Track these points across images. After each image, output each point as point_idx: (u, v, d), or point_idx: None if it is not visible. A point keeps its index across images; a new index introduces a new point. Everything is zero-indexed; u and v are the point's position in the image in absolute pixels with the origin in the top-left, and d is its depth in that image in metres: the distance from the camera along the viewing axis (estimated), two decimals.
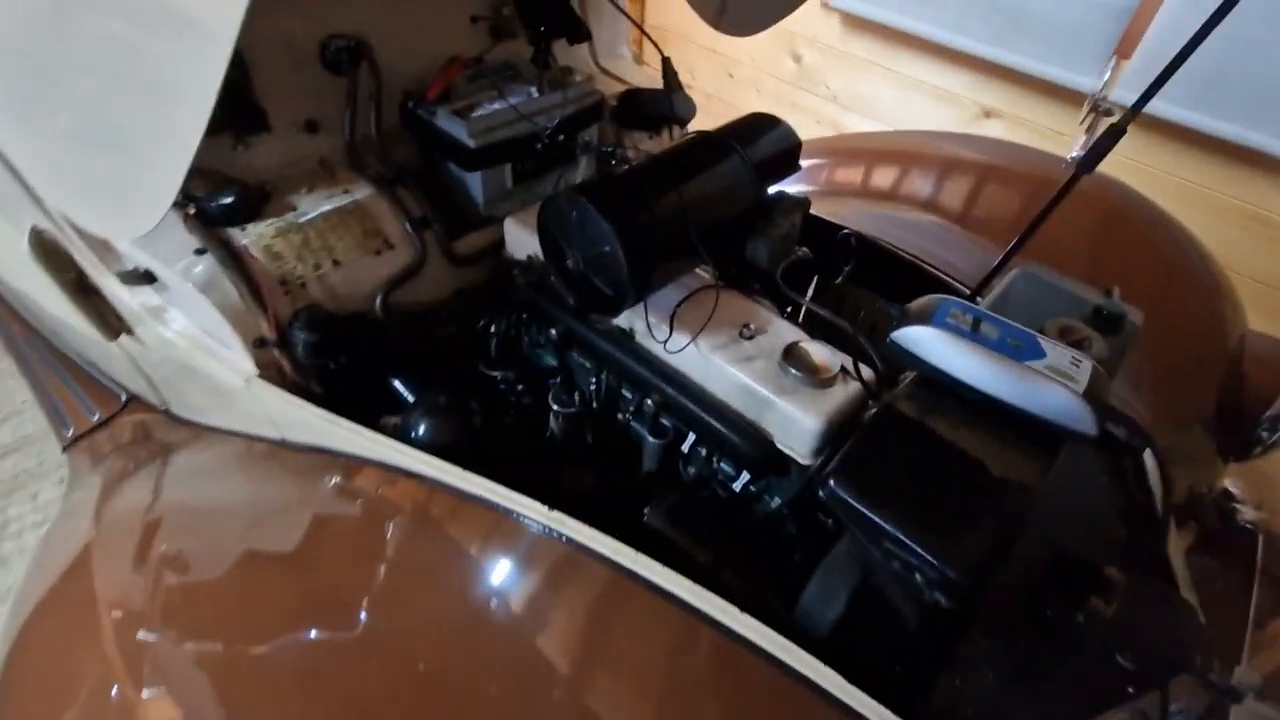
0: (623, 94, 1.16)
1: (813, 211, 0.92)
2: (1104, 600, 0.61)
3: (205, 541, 0.81)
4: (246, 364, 0.84)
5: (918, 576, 0.48)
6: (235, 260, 0.82)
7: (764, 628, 0.55)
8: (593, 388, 0.91)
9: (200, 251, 0.81)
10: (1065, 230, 0.83)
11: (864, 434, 0.53)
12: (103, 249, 0.89)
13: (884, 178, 1.45)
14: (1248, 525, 1.11)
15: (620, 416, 0.89)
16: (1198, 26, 0.61)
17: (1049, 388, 0.49)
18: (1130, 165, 1.63)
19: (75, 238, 0.88)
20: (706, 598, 0.57)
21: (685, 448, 0.83)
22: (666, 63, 1.15)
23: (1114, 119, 1.34)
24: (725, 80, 2.59)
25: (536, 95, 0.99)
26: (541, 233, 0.75)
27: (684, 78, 1.16)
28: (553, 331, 0.90)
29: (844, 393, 0.71)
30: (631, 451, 0.88)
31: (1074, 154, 1.32)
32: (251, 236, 0.84)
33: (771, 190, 0.85)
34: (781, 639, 0.54)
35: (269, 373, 0.86)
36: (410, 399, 0.89)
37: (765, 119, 0.86)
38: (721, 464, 0.80)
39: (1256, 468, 1.12)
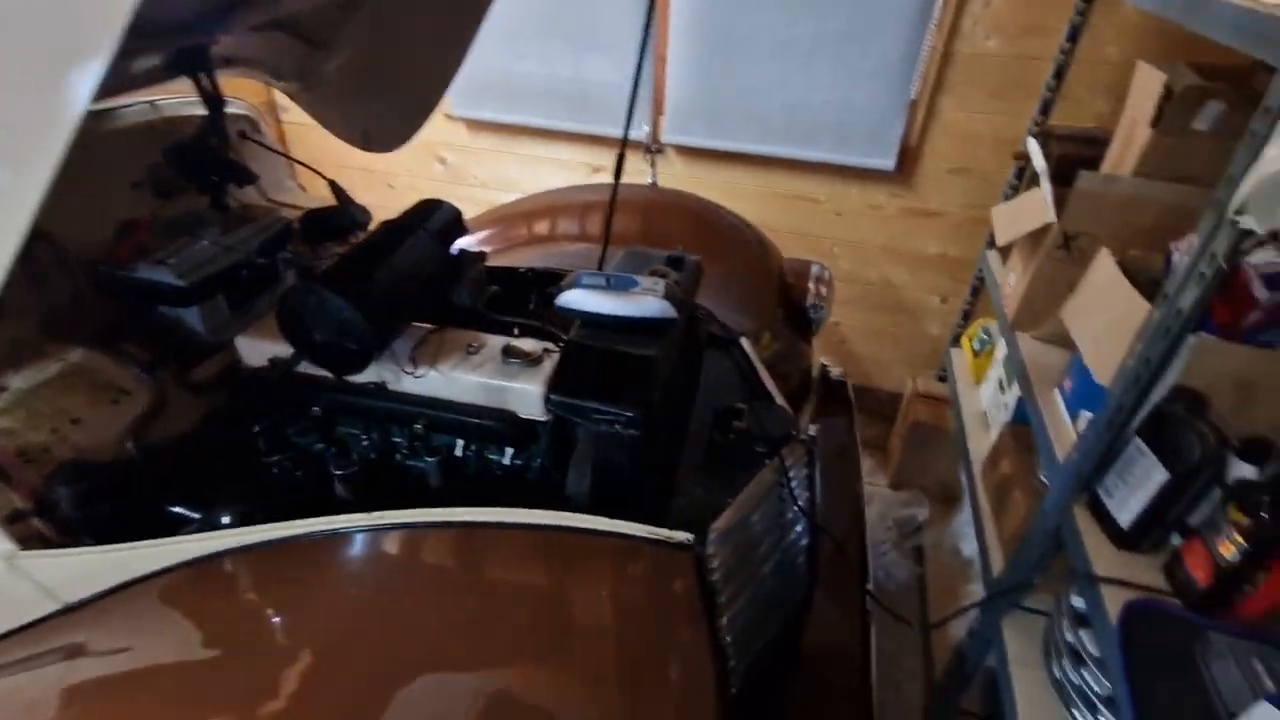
0: (303, 216, 1.35)
1: (501, 263, 1.22)
2: (740, 420, 1.00)
3: None
4: (2, 544, 0.84)
5: (616, 427, 0.79)
6: None
7: (565, 514, 0.80)
8: (365, 444, 1.08)
9: None
10: (669, 235, 1.26)
11: (559, 364, 0.84)
12: None
13: (543, 227, 1.85)
14: (839, 379, 1.70)
15: (398, 457, 1.07)
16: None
17: (644, 299, 0.85)
18: (720, 185, 2.35)
19: None
20: (531, 514, 0.80)
21: (459, 453, 1.06)
22: (333, 184, 1.37)
23: (662, 154, 1.97)
24: (387, 191, 2.86)
25: (228, 233, 1.14)
26: (284, 323, 0.92)
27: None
28: (314, 409, 1.05)
29: (550, 363, 1.01)
30: (419, 484, 1.07)
31: (649, 180, 1.87)
32: None
33: (454, 250, 1.14)
34: (573, 515, 0.80)
35: (31, 544, 0.87)
36: (198, 515, 0.96)
37: (430, 202, 1.14)
38: (489, 453, 1.04)
39: (825, 340, 1.73)
